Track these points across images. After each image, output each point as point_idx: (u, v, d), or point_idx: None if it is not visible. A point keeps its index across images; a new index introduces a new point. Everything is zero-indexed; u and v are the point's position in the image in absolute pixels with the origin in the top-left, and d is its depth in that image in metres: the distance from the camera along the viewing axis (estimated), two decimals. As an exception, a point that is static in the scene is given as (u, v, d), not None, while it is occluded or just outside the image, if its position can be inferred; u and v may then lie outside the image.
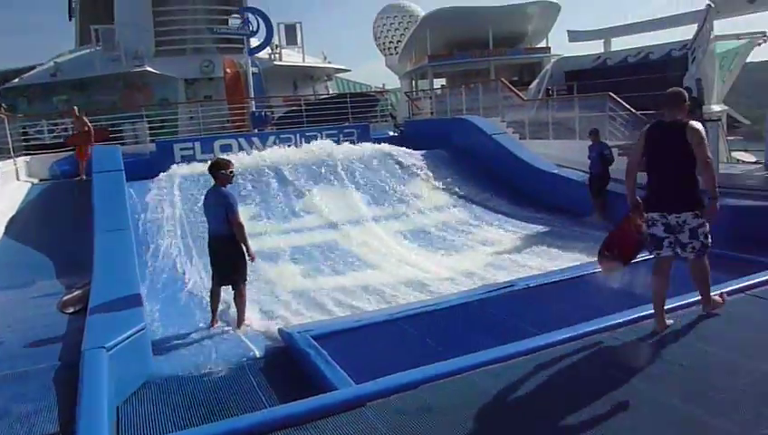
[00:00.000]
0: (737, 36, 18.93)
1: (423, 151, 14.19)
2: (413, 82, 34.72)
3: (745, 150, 18.08)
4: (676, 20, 19.37)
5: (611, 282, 6.67)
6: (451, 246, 9.88)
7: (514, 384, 3.79)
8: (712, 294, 4.71)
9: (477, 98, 17.91)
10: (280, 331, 5.78)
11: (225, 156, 12.53)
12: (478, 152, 14.26)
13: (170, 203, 10.73)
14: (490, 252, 9.32)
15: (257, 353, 5.44)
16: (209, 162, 6.56)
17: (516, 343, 4.36)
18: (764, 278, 5.35)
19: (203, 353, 5.47)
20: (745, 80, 21.51)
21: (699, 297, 4.72)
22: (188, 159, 13.34)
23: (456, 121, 16.01)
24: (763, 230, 7.50)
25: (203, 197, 6.57)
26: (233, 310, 6.39)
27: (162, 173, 11.83)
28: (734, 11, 15.01)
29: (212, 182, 6.36)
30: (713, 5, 14.38)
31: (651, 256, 4.60)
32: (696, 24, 14.89)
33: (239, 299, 6.25)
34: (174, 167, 12.32)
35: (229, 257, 6.20)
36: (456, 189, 12.72)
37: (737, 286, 5.20)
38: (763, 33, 19.44)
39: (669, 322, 4.53)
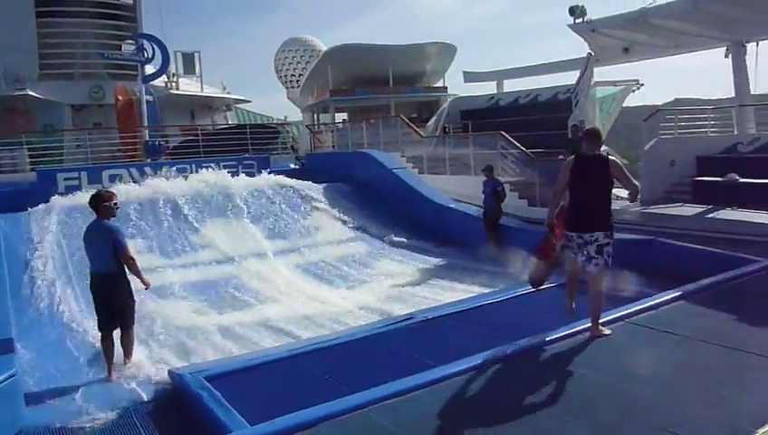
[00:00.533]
0: (614, 83, 20.62)
1: (324, 184, 14.18)
2: (315, 115, 34.85)
3: (623, 187, 19.52)
4: (562, 66, 20.82)
5: (506, 312, 6.90)
6: (351, 279, 9.86)
7: (414, 418, 3.78)
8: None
9: (378, 133, 18.23)
10: (170, 372, 5.45)
11: (114, 186, 11.96)
12: (379, 186, 14.45)
13: (50, 237, 9.97)
14: (389, 285, 9.38)
15: (145, 398, 5.11)
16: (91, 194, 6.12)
17: (415, 376, 4.36)
18: (641, 306, 5.71)
19: (84, 400, 5.06)
20: (622, 123, 23.35)
21: (580, 327, 5.05)
22: (74, 190, 12.50)
23: (358, 155, 16.19)
24: (639, 262, 8.06)
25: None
26: (118, 350, 5.94)
27: (43, 204, 11.02)
28: (611, 60, 16.42)
29: (93, 216, 5.91)
30: (593, 54, 15.61)
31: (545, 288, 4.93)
32: (578, 70, 16.05)
33: (126, 339, 5.86)
34: (55, 197, 11.49)
35: (116, 299, 5.74)
36: (357, 223, 12.77)
37: (617, 315, 5.51)
38: (637, 80, 21.32)
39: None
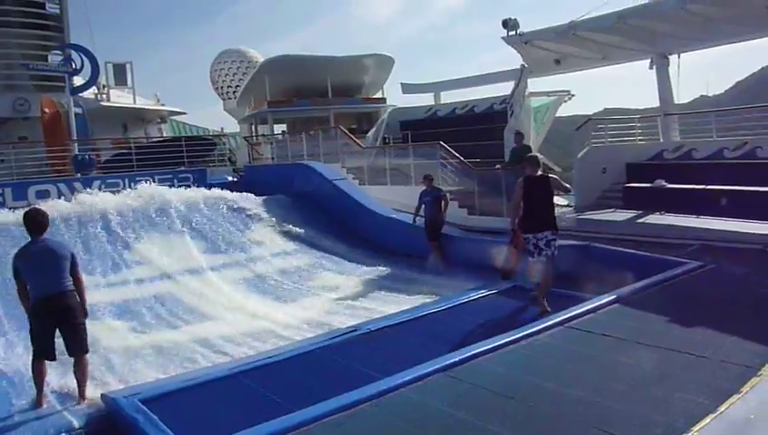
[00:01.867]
0: (548, 94, 21.23)
1: (264, 197, 13.96)
2: (253, 126, 34.32)
3: (558, 195, 20.10)
4: (497, 77, 21.24)
5: (449, 320, 6.93)
6: (293, 293, 9.72)
7: (358, 433, 3.71)
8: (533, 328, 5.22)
9: (318, 144, 18.11)
10: (103, 396, 5.17)
11: (41, 203, 11.38)
12: (320, 198, 14.33)
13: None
14: (332, 298, 9.28)
15: (76, 424, 4.81)
16: (24, 212, 5.71)
17: (359, 390, 4.30)
18: (579, 311, 5.85)
19: (8, 431, 4.72)
20: (556, 132, 24.04)
21: (522, 333, 5.21)
22: (-3, 208, 11.83)
23: (298, 167, 16.03)
24: (576, 267, 8.29)
25: (20, 252, 5.45)
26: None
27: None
28: (544, 71, 16.88)
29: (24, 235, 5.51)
30: (526, 66, 16.03)
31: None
32: (513, 82, 16.42)
33: (82, 367, 5.42)
34: None
35: (74, 319, 5.35)
36: (298, 235, 12.60)
37: (556, 320, 5.62)
38: (568, 91, 22.03)
39: None
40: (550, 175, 7.16)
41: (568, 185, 7.70)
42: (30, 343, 5.41)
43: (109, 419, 4.85)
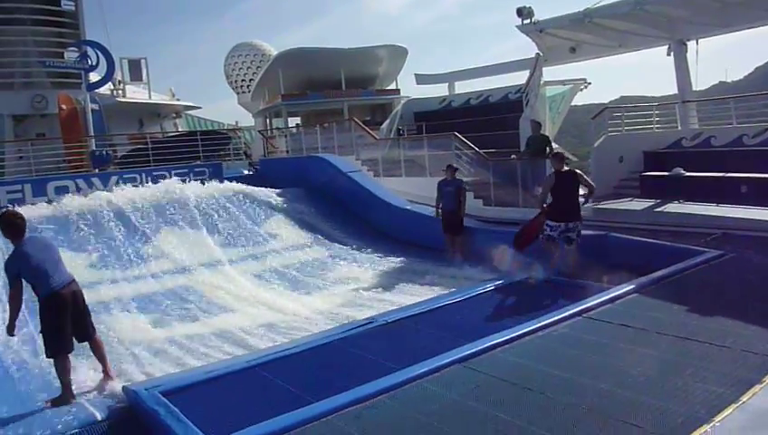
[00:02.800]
0: (563, 82, 21.03)
1: (279, 190, 14.01)
2: (267, 120, 34.42)
3: (584, 187, 19.92)
4: (511, 67, 21.06)
5: (467, 311, 6.92)
6: (309, 285, 9.76)
7: (377, 424, 3.73)
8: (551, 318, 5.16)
9: (332, 136, 18.10)
10: (124, 388, 5.23)
11: (61, 198, 11.56)
12: (334, 190, 14.36)
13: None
14: (348, 289, 9.31)
15: (98, 417, 4.87)
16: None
17: (377, 381, 4.32)
18: (597, 301, 5.82)
19: (28, 427, 4.79)
20: (572, 121, 23.86)
21: (539, 324, 5.18)
22: (17, 203, 11.98)
23: (312, 159, 16.06)
24: (594, 257, 8.22)
25: (17, 254, 5.33)
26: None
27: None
28: (559, 60, 16.69)
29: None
30: (541, 54, 15.87)
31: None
32: (528, 71, 16.26)
33: (101, 347, 5.71)
34: None
35: (84, 307, 5.58)
36: (313, 227, 12.65)
37: (574, 310, 5.59)
38: (584, 79, 21.79)
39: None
40: (576, 171, 8.17)
41: (592, 182, 8.33)
42: (43, 343, 5.40)
43: (130, 411, 4.91)
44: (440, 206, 10.96)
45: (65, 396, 5.34)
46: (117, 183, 13.57)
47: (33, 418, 5.00)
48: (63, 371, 5.37)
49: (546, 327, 5.17)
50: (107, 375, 5.61)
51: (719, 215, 9.35)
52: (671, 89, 14.91)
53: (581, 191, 8.30)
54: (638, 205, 11.04)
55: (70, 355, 5.46)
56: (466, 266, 9.80)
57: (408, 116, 22.54)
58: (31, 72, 21.21)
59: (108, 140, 18.68)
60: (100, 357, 5.64)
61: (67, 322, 5.37)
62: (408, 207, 12.77)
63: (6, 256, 5.56)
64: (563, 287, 7.26)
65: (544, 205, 8.18)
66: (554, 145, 13.72)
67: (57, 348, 5.37)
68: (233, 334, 7.34)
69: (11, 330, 5.39)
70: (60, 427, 4.68)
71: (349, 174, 14.31)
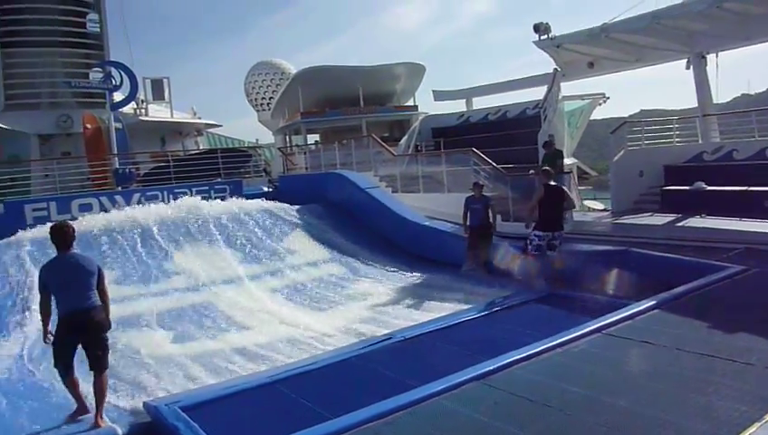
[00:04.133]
0: (581, 97, 20.99)
1: (298, 206, 14.12)
2: (287, 137, 34.75)
3: (594, 199, 19.86)
4: (529, 82, 21.11)
5: (485, 328, 6.89)
6: (328, 301, 9.79)
7: (394, 441, 3.73)
8: (570, 335, 5.08)
9: (350, 153, 18.23)
10: (145, 404, 5.31)
11: (84, 215, 11.76)
12: (353, 206, 14.43)
13: (17, 272, 9.72)
14: (367, 306, 9.31)
15: (119, 432, 4.94)
16: (51, 226, 5.66)
17: (395, 398, 4.31)
18: (617, 317, 5.75)
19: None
20: (590, 135, 23.75)
21: (558, 340, 5.13)
22: (42, 221, 12.20)
23: (331, 176, 16.17)
24: (614, 272, 8.16)
25: (48, 265, 5.42)
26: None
27: (9, 237, 10.78)
28: (577, 75, 16.72)
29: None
30: (559, 69, 15.89)
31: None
32: (545, 86, 16.29)
33: (102, 385, 5.34)
34: (21, 232, 11.22)
35: (101, 334, 5.34)
36: (332, 244, 12.70)
37: (594, 326, 5.54)
38: (603, 94, 21.74)
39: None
40: (563, 187, 9.14)
41: (574, 200, 9.78)
42: (52, 357, 5.40)
43: (151, 426, 4.98)
44: (467, 223, 10.89)
45: (79, 408, 5.39)
46: (139, 201, 13.78)
47: (57, 431, 5.07)
48: (69, 384, 5.39)
49: (565, 344, 5.13)
50: (99, 416, 5.19)
51: (742, 229, 9.24)
52: (692, 102, 14.81)
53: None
54: (659, 220, 10.95)
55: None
56: (485, 283, 9.76)
57: (426, 132, 22.64)
58: (57, 92, 21.69)
59: (131, 159, 19.01)
60: (99, 396, 5.33)
61: (72, 345, 5.31)
62: (427, 223, 12.78)
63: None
64: (582, 303, 7.21)
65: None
66: (571, 160, 13.68)
67: (60, 368, 5.36)
68: (252, 350, 7.37)
69: (45, 337, 5.42)
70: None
71: (367, 190, 14.38)
